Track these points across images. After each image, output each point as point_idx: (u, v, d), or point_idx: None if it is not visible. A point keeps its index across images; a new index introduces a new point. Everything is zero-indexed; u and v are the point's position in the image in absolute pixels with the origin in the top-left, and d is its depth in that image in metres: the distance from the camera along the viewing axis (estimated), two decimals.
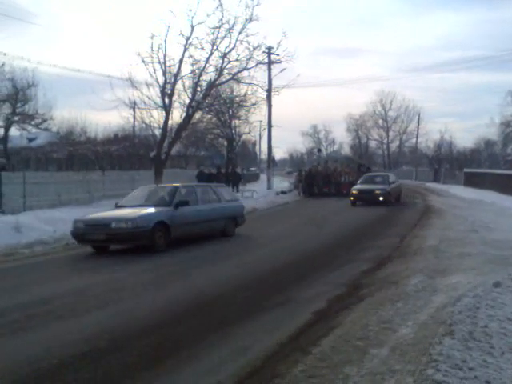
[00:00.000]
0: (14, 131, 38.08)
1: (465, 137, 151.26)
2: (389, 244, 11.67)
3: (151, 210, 11.30)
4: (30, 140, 44.39)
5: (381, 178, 25.46)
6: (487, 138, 65.21)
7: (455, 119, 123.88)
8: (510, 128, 64.13)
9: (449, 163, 54.35)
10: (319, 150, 56.16)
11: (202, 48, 23.86)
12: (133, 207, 11.63)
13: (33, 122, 35.24)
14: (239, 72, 26.08)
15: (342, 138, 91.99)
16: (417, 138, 63.59)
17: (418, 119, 64.13)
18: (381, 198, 22.61)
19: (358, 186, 24.11)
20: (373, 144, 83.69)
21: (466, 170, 41.60)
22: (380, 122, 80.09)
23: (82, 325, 5.83)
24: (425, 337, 4.77)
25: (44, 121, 35.41)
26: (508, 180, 28.94)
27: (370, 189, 23.30)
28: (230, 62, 24.82)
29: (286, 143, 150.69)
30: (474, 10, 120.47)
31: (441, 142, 62.29)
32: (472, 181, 36.58)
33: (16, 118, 35.08)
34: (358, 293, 7.15)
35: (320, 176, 29.95)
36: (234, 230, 13.54)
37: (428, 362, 4.01)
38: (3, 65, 31.31)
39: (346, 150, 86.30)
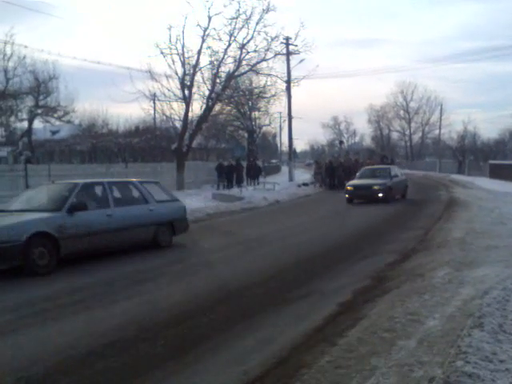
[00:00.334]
0: (38, 124, 38.64)
1: (489, 127, 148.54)
2: (413, 236, 11.54)
3: (30, 216, 8.34)
4: (54, 133, 44.99)
5: (381, 171, 22.39)
6: None
7: (478, 110, 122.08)
8: None
9: (473, 155, 53.56)
10: (341, 142, 55.79)
11: (220, 39, 23.97)
12: (10, 213, 8.77)
13: (55, 115, 35.67)
14: (258, 63, 26.12)
15: (364, 130, 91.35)
16: (440, 129, 62.69)
17: (441, 110, 63.13)
18: (380, 195, 19.55)
19: (353, 181, 21.37)
20: (395, 136, 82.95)
21: (491, 161, 40.95)
22: (401, 113, 79.29)
23: None
24: (453, 329, 4.71)
25: (66, 113, 35.84)
26: None
27: (368, 184, 20.23)
28: (248, 52, 24.86)
29: (307, 135, 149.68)
30: None
31: (464, 133, 61.54)
32: (497, 173, 35.95)
33: (39, 111, 35.49)
34: (384, 285, 7.09)
35: (341, 168, 28.97)
36: (169, 239, 10.62)
37: (457, 354, 3.97)
38: (24, 57, 31.64)
39: (368, 142, 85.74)
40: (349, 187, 20.35)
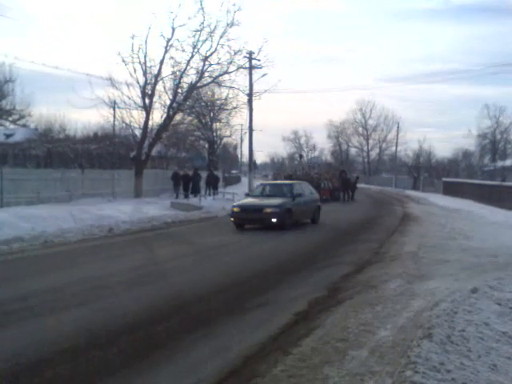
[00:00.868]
0: None
1: (443, 147, 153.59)
2: (368, 249, 11.77)
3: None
4: (8, 136, 43.62)
5: (283, 188, 17.34)
6: (465, 149, 66.60)
7: (433, 129, 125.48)
8: (487, 140, 65.57)
9: (427, 172, 55.08)
10: (301, 156, 56.10)
11: (183, 50, 24.00)
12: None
13: (10, 118, 34.71)
14: (220, 75, 26.23)
15: (323, 145, 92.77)
16: (396, 146, 64.26)
17: (398, 128, 64.84)
18: (274, 220, 15.07)
19: (242, 201, 16.88)
20: (353, 151, 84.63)
21: (444, 179, 42.25)
22: (360, 129, 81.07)
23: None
24: (403, 340, 4.82)
25: (22, 117, 34.92)
26: (485, 190, 29.50)
27: (260, 206, 15.64)
28: (211, 65, 24.97)
29: (268, 147, 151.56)
30: (454, 24, 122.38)
31: (420, 151, 63.32)
32: (450, 190, 37.17)
33: None
34: (338, 296, 7.20)
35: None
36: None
37: (407, 364, 4.07)
38: None
39: (327, 157, 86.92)
40: (235, 208, 15.72)
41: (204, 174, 29.84)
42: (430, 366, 4.00)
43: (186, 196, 25.74)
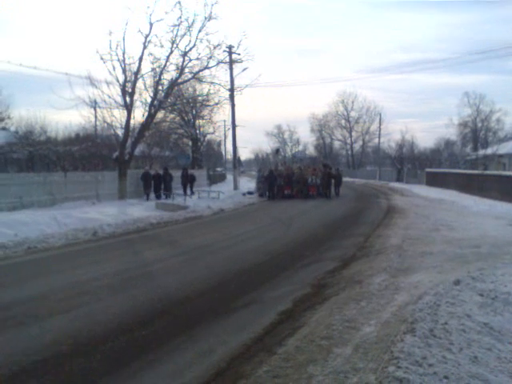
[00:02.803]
0: None
1: (425, 137, 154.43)
2: (353, 243, 11.83)
3: None
4: None
5: None
6: (447, 138, 67.21)
7: (415, 119, 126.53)
8: (468, 128, 66.23)
9: (411, 163, 55.41)
10: (277, 151, 55.53)
11: (162, 46, 23.74)
12: None
13: None
14: (200, 71, 26.07)
15: (307, 139, 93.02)
16: (379, 138, 64.54)
17: (380, 120, 65.06)
18: None
19: None
20: (337, 144, 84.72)
21: (427, 169, 42.58)
22: (343, 122, 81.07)
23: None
24: (387, 335, 4.86)
25: (1, 120, 34.38)
26: (468, 179, 29.79)
27: None
28: (190, 60, 24.78)
29: (252, 143, 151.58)
30: (432, 13, 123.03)
31: (402, 142, 63.61)
32: (434, 180, 37.51)
33: None
34: (323, 292, 7.23)
35: (281, 177, 28.40)
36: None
37: (389, 360, 4.10)
38: None
39: (311, 150, 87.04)
40: None
41: (178, 173, 29.22)
42: (412, 360, 4.04)
43: (158, 197, 25.29)
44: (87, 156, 28.38)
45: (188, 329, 5.72)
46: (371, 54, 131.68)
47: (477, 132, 66.38)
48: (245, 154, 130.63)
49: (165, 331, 5.68)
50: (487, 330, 4.86)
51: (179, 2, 22.85)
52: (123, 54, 22.97)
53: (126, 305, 6.76)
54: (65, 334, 5.52)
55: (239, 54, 29.08)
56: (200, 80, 28.01)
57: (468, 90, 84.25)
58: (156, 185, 25.66)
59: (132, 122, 24.81)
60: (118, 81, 23.27)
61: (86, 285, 7.92)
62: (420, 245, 10.71)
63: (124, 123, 24.19)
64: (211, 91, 30.71)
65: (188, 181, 28.90)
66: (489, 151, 43.75)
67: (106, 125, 27.43)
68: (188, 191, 28.36)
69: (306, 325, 5.58)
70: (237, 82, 32.14)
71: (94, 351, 5.03)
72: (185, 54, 24.31)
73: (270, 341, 5.20)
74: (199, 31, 24.01)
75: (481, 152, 47.43)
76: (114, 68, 23.04)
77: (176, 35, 23.69)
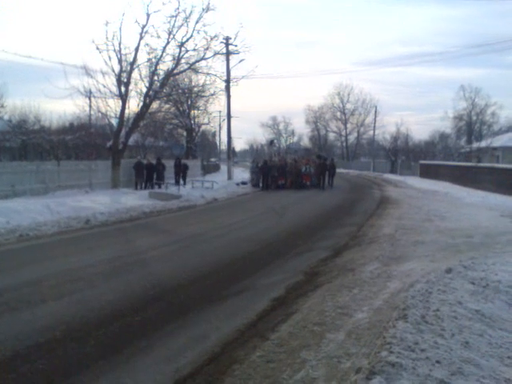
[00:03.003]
0: None
1: (420, 129, 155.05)
2: (346, 233, 11.87)
3: None
4: None
5: None
6: (441, 131, 67.24)
7: (411, 112, 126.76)
8: (463, 121, 66.35)
9: (405, 155, 55.50)
10: (271, 142, 55.37)
11: (159, 37, 23.58)
12: None
13: None
14: (197, 62, 25.94)
15: (302, 130, 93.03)
16: (374, 130, 64.62)
17: (375, 112, 65.09)
18: None
19: None
20: (331, 136, 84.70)
21: (421, 161, 42.68)
22: (338, 114, 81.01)
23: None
24: (379, 321, 4.89)
25: None
26: (461, 171, 29.91)
27: None
28: (187, 51, 24.63)
29: (247, 134, 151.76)
30: (430, 6, 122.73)
31: (397, 134, 63.55)
32: (427, 172, 37.61)
33: None
34: (316, 280, 7.26)
35: (275, 168, 28.48)
36: None
37: (382, 345, 4.12)
38: None
39: (306, 142, 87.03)
40: None
41: (171, 163, 29.08)
42: (404, 345, 4.07)
43: (151, 186, 25.21)
44: (81, 145, 28.23)
45: (181, 315, 5.72)
46: (369, 46, 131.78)
47: (471, 125, 66.54)
48: (239, 145, 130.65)
49: (158, 318, 5.69)
50: (478, 316, 4.90)
51: None
52: (119, 44, 22.79)
53: (119, 291, 6.75)
54: (58, 320, 5.51)
55: (236, 46, 28.98)
56: (196, 71, 27.90)
57: (464, 84, 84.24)
58: (148, 174, 25.57)
59: (127, 111, 24.66)
60: (113, 71, 23.12)
61: (78, 271, 7.91)
62: (413, 234, 10.76)
63: (118, 113, 24.06)
64: (207, 82, 30.62)
65: (181, 170, 28.80)
66: (483, 144, 43.85)
67: (100, 114, 27.28)
68: (181, 181, 28.29)
69: (298, 311, 5.60)
70: (233, 73, 32.03)
71: (87, 337, 5.03)
72: (181, 45, 24.16)
73: (264, 327, 5.22)
74: (196, 22, 23.87)
75: (475, 145, 47.54)
76: (109, 58, 22.88)
77: (173, 26, 23.53)
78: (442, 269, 6.77)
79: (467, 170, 28.92)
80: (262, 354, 4.39)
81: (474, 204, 18.07)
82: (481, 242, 9.54)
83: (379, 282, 6.58)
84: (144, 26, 22.99)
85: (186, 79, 35.51)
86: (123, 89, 23.45)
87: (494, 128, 65.56)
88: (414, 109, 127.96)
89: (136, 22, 22.93)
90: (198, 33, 24.25)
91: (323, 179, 28.69)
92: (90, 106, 29.29)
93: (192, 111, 41.19)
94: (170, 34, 23.64)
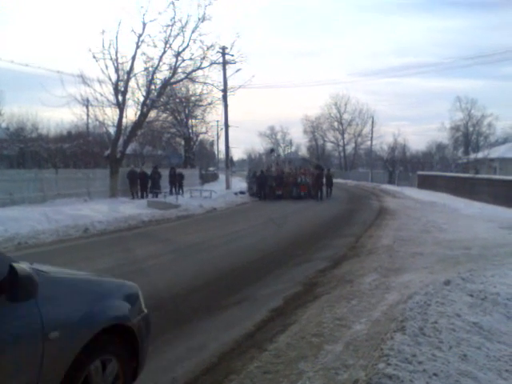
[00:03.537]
0: None
1: (417, 140, 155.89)
2: (345, 243, 11.88)
3: None
4: None
5: None
6: (439, 142, 67.51)
7: (408, 123, 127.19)
8: (460, 132, 66.64)
9: (402, 165, 55.67)
10: (272, 151, 55.48)
11: (155, 46, 23.73)
12: None
13: None
14: (193, 71, 26.10)
15: (299, 140, 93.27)
16: (371, 140, 64.76)
17: (372, 122, 65.29)
18: None
19: None
20: (329, 146, 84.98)
21: (419, 172, 42.77)
22: (335, 124, 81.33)
23: None
24: (377, 333, 4.89)
25: None
26: (458, 182, 29.98)
27: None
28: (183, 60, 24.79)
29: (244, 143, 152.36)
30: (426, 18, 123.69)
31: (394, 144, 63.86)
32: (425, 183, 37.68)
33: None
34: (315, 291, 7.26)
35: (272, 178, 28.60)
36: None
37: (380, 357, 4.12)
38: None
39: (304, 152, 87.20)
40: None
41: (166, 172, 29.03)
42: (402, 358, 4.07)
43: (147, 195, 25.11)
44: (79, 153, 28.25)
45: (179, 325, 5.72)
46: (365, 57, 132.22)
47: (468, 136, 66.84)
48: (237, 154, 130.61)
49: (156, 327, 5.63)
50: (476, 329, 4.90)
51: (173, 3, 22.88)
52: (116, 53, 22.92)
53: None
54: None
55: (233, 55, 29.21)
56: (193, 80, 28.05)
57: (460, 95, 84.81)
58: (142, 183, 25.48)
59: (124, 120, 24.76)
60: (110, 79, 23.22)
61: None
62: (411, 246, 10.77)
63: (116, 121, 24.12)
64: (204, 91, 30.80)
65: (176, 180, 28.78)
66: (480, 155, 44.00)
67: (98, 123, 27.34)
68: (177, 190, 28.28)
69: (296, 322, 5.60)
70: (230, 83, 32.22)
71: None
72: (178, 54, 24.31)
73: (261, 337, 5.21)
74: (192, 32, 24.06)
75: (472, 156, 47.67)
76: (106, 67, 22.99)
77: (169, 35, 23.70)
78: (441, 281, 6.77)
79: (465, 182, 28.99)
80: (260, 365, 4.38)
81: (472, 215, 18.09)
82: (479, 254, 9.55)
83: (378, 293, 6.58)
84: (140, 35, 23.14)
85: (182, 88, 35.67)
86: (120, 97, 23.54)
87: (491, 139, 65.98)
88: (411, 119, 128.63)
89: (132, 31, 23.12)
90: (195, 42, 24.50)
91: (320, 190, 28.68)
92: (88, 115, 29.26)
93: (190, 120, 41.29)
94: (166, 43, 23.81)
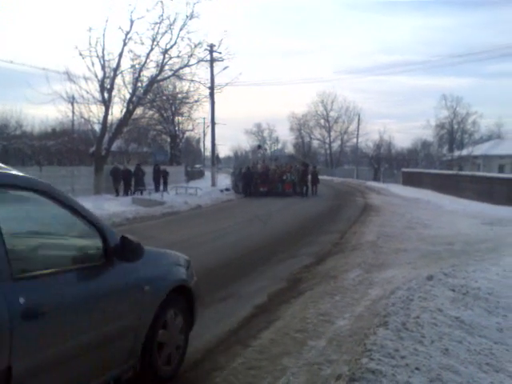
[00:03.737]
0: None
1: (402, 137, 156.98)
2: (330, 240, 11.92)
3: None
4: None
5: None
6: (424, 139, 68.06)
7: (393, 120, 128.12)
8: (445, 130, 67.28)
9: (388, 163, 55.97)
10: (259, 147, 55.37)
11: (142, 43, 23.65)
12: None
13: None
14: (180, 68, 26.07)
15: (286, 137, 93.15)
16: (357, 138, 65.11)
17: (358, 120, 65.61)
18: None
19: None
20: (315, 143, 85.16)
21: (404, 169, 43.09)
22: (322, 121, 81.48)
23: None
24: (360, 328, 4.92)
25: None
26: (443, 179, 30.28)
27: None
28: (171, 58, 24.73)
29: (231, 141, 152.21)
30: (413, 16, 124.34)
31: (380, 142, 64.14)
32: (410, 180, 37.98)
33: None
34: (299, 287, 7.28)
35: (257, 174, 28.55)
36: None
37: (363, 352, 4.15)
38: None
39: (290, 149, 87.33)
40: None
41: (150, 169, 28.85)
42: (384, 352, 4.09)
43: (127, 193, 24.92)
44: (63, 151, 28.04)
45: None
46: (352, 55, 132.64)
47: (453, 134, 67.53)
48: (224, 152, 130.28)
49: None
50: (458, 323, 4.95)
51: (161, 1, 22.77)
52: (103, 50, 22.78)
53: None
54: None
55: (220, 53, 29.20)
56: (180, 77, 28.02)
57: (445, 93, 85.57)
58: (126, 180, 25.27)
59: (110, 117, 24.62)
60: (96, 77, 23.09)
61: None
62: (394, 242, 10.85)
63: (102, 119, 23.97)
64: (191, 89, 30.74)
65: (160, 177, 28.61)
66: (464, 152, 44.53)
67: (83, 120, 27.15)
68: (162, 187, 28.14)
69: (280, 318, 5.61)
70: (218, 80, 32.18)
71: None
72: (165, 52, 24.24)
73: (245, 334, 5.22)
74: (180, 29, 24.02)
75: (456, 153, 48.21)
76: (92, 64, 22.85)
77: (157, 33, 23.64)
78: (423, 276, 6.83)
79: (449, 178, 29.28)
80: (243, 361, 4.39)
81: (456, 212, 18.29)
82: (462, 250, 9.66)
83: (361, 289, 6.63)
84: (128, 33, 23.03)
85: (169, 86, 35.58)
86: (106, 95, 23.40)
87: (475, 136, 66.71)
88: (397, 117, 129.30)
89: (120, 28, 23.02)
90: (182, 40, 24.43)
91: (306, 186, 28.74)
92: (73, 112, 29.05)
93: (176, 117, 41.16)
94: (153, 40, 23.72)
